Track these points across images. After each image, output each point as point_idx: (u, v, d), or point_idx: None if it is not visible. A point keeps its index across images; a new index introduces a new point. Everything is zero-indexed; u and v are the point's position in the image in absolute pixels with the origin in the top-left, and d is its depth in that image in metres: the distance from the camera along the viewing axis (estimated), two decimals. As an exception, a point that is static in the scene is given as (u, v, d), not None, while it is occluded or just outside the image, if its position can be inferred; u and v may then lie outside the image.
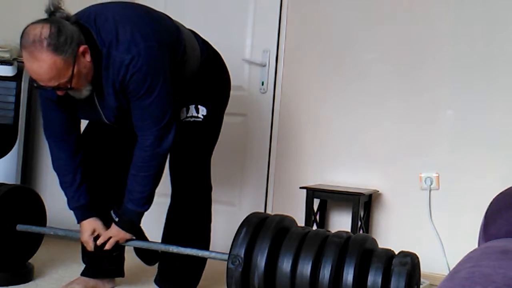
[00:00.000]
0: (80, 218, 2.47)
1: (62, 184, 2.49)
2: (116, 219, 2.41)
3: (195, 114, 2.54)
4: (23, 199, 2.71)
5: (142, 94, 2.24)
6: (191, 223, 2.61)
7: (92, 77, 2.23)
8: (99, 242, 2.42)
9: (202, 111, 2.55)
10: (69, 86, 2.15)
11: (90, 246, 2.44)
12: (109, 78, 2.23)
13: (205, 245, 2.62)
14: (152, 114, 2.29)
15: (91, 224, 2.45)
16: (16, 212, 2.65)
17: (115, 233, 2.41)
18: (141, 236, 2.49)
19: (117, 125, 2.47)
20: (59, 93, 2.21)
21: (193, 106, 2.55)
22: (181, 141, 2.51)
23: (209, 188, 2.67)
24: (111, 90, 2.26)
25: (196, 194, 2.61)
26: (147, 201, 2.38)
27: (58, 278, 2.82)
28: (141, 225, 2.60)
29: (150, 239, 2.57)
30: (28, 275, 2.75)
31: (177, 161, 2.56)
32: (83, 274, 2.67)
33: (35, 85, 2.20)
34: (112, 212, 2.43)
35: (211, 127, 2.63)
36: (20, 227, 2.63)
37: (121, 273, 2.74)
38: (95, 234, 2.45)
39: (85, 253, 2.67)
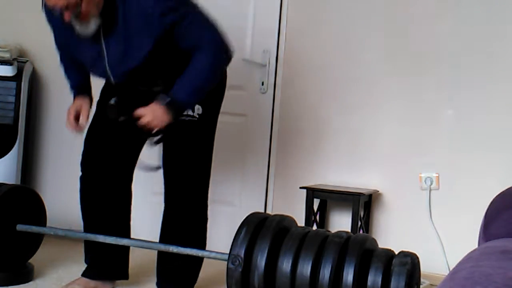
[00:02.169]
0: (75, 95, 2.57)
1: (66, 70, 2.62)
2: (167, 99, 2.33)
3: (190, 112, 2.50)
4: (23, 199, 2.71)
5: (180, 18, 2.25)
6: (188, 228, 2.57)
7: (103, 10, 2.22)
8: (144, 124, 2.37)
9: (198, 109, 2.51)
10: (78, 7, 2.15)
11: (70, 119, 2.49)
12: (131, 9, 2.23)
13: (202, 248, 2.58)
14: (199, 33, 2.32)
15: (80, 100, 2.53)
16: (16, 212, 2.65)
17: (158, 111, 2.33)
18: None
19: (118, 80, 2.41)
20: (66, 17, 2.18)
21: None
22: (177, 141, 2.49)
23: (207, 191, 2.63)
24: (135, 23, 2.24)
25: (194, 197, 2.58)
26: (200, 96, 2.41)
27: (58, 278, 2.82)
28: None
29: (149, 239, 2.57)
30: (28, 275, 2.75)
31: (174, 162, 2.53)
32: (84, 275, 2.66)
33: (44, 9, 2.25)
34: (167, 106, 2.34)
35: (207, 126, 2.59)
36: (20, 227, 2.62)
37: (125, 275, 2.71)
38: (79, 108, 2.51)
39: (88, 252, 2.66)
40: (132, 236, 2.70)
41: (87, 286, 2.61)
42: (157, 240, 2.59)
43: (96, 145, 2.58)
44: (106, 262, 2.64)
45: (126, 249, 2.65)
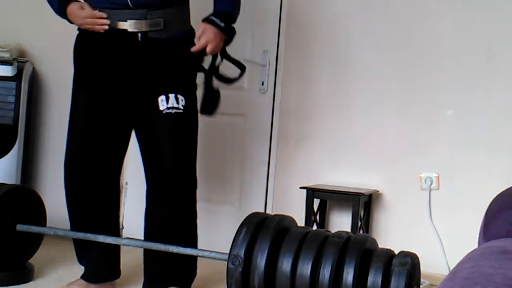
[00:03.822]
0: (64, 4, 2.48)
1: None
2: (222, 24, 2.44)
3: (175, 105, 2.43)
4: (23, 199, 2.71)
5: None
6: (178, 225, 2.52)
7: None
8: (199, 47, 2.42)
9: (182, 101, 2.45)
10: None
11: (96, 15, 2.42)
12: None
13: (193, 246, 2.53)
14: None
15: (78, 4, 2.47)
16: (16, 212, 2.65)
17: (217, 35, 2.44)
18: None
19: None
20: None
21: (173, 95, 2.43)
22: (162, 135, 2.44)
23: (195, 186, 2.57)
24: None
25: (183, 193, 2.51)
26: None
27: (58, 278, 2.83)
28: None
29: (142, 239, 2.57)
30: (28, 275, 2.75)
31: (161, 157, 2.47)
32: (84, 278, 2.64)
33: None
34: (213, 18, 2.45)
35: (192, 118, 2.52)
36: (20, 227, 2.62)
37: (118, 275, 2.70)
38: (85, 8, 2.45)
39: (83, 256, 2.64)
40: (131, 236, 2.70)
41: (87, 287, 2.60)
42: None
43: (83, 141, 2.51)
44: (103, 265, 2.62)
45: (118, 248, 2.63)
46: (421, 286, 2.52)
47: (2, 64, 3.52)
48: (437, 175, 3.15)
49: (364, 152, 3.30)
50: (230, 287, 2.12)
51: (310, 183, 3.29)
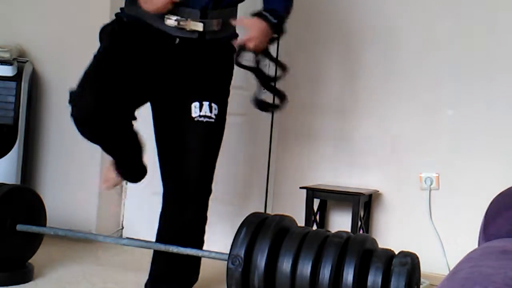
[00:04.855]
0: None
1: None
2: (275, 21, 2.33)
3: (208, 113, 2.38)
4: (23, 199, 2.71)
5: None
6: (190, 229, 2.52)
7: None
8: (242, 40, 2.31)
9: (215, 109, 2.40)
10: None
11: None
12: None
13: (199, 249, 2.52)
14: None
15: None
16: (16, 212, 2.65)
17: (264, 31, 2.32)
18: None
19: None
20: None
21: (207, 103, 2.38)
22: (191, 142, 2.41)
23: (210, 193, 2.58)
24: None
25: (200, 198, 2.52)
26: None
27: (58, 278, 2.83)
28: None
29: (148, 239, 2.57)
30: (28, 275, 2.75)
31: (183, 163, 2.45)
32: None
33: None
34: (264, 12, 2.34)
35: (221, 128, 2.50)
36: (20, 227, 2.63)
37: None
38: None
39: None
40: (131, 236, 2.70)
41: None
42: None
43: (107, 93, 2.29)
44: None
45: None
46: (421, 286, 2.52)
47: (2, 64, 3.52)
48: (437, 175, 3.15)
49: (364, 152, 3.30)
50: (230, 287, 2.12)
51: (310, 183, 3.29)
